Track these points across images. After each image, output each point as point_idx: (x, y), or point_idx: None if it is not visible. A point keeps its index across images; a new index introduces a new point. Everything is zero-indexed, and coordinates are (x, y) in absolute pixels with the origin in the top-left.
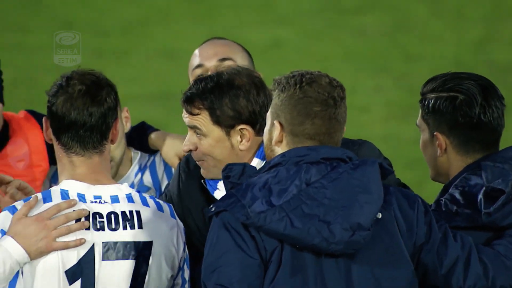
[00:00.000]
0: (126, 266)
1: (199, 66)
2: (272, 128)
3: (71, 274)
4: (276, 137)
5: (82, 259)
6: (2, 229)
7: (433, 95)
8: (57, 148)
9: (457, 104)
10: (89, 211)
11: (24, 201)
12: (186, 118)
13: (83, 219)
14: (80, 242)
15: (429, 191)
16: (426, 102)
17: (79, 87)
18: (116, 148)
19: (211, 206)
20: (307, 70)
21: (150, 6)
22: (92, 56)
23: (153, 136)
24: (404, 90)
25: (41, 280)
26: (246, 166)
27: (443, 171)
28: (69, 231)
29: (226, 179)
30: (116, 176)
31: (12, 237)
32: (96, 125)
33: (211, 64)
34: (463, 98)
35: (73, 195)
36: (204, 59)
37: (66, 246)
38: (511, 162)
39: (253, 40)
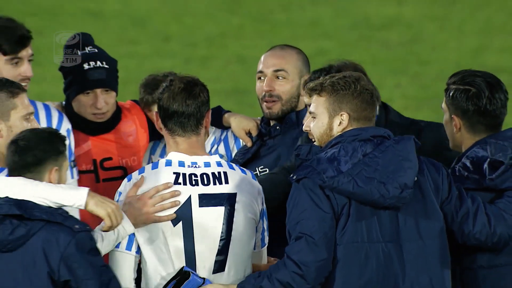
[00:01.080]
0: (218, 211)
1: (260, 72)
2: (333, 120)
3: (174, 218)
4: (344, 125)
5: (182, 206)
6: (120, 192)
7: (453, 86)
8: (165, 134)
9: (470, 95)
10: (184, 173)
11: (139, 171)
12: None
13: (175, 199)
14: (170, 217)
15: None
16: (448, 91)
17: (178, 85)
18: None
19: (292, 175)
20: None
21: (228, 24)
22: (183, 62)
23: (226, 115)
24: (418, 87)
25: (148, 227)
26: (312, 146)
27: (458, 144)
28: (163, 209)
29: (296, 156)
30: None
31: (124, 212)
32: (193, 114)
33: (268, 72)
34: (474, 91)
35: (175, 163)
36: (264, 68)
37: (160, 220)
38: (510, 140)
39: (303, 50)
